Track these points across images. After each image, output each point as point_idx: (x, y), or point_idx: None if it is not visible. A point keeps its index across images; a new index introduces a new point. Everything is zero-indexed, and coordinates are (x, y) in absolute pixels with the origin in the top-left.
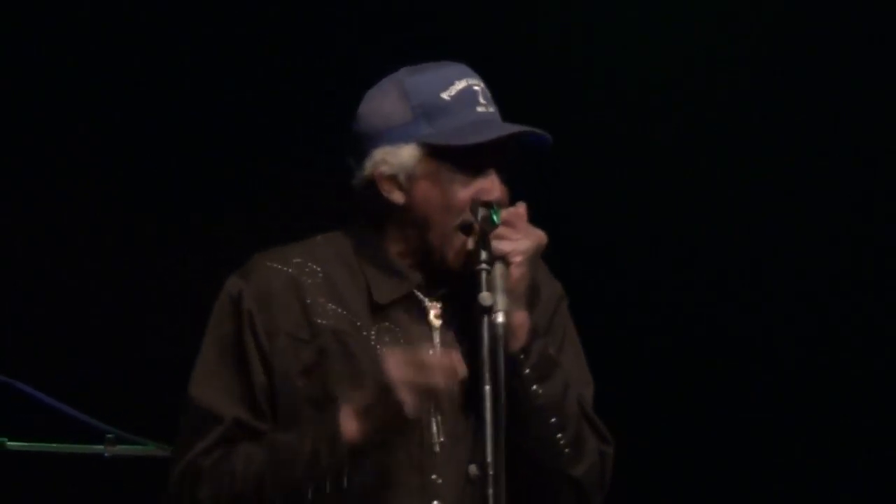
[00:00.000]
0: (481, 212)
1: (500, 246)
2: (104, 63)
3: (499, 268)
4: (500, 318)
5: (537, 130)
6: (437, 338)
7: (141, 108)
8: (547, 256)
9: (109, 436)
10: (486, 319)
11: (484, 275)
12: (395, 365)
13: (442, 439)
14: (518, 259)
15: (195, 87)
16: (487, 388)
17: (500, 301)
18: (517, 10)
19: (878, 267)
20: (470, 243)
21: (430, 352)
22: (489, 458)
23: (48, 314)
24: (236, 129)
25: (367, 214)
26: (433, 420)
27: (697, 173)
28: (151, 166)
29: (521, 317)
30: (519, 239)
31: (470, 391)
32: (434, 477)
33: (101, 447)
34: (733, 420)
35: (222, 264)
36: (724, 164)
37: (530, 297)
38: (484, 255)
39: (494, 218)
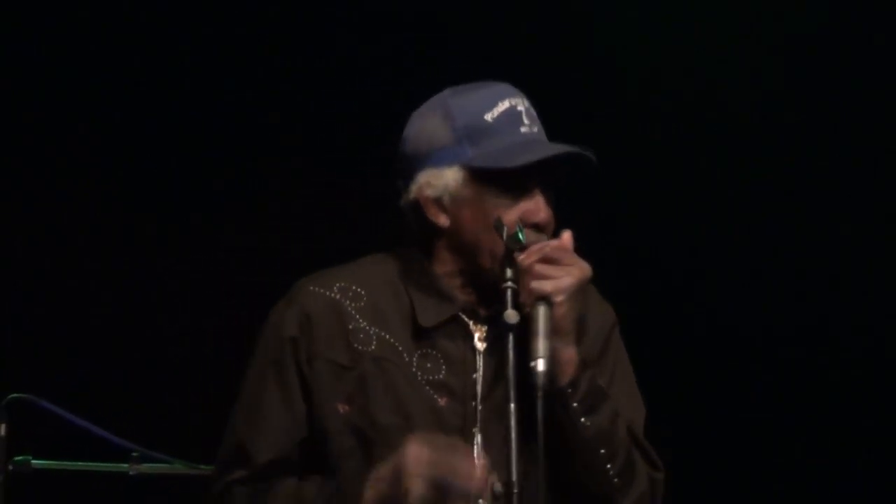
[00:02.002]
0: (507, 230)
1: (540, 287)
2: (103, 62)
3: (542, 310)
4: (540, 365)
5: (581, 150)
6: (480, 362)
7: (140, 107)
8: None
9: (134, 454)
10: (511, 337)
11: (510, 293)
12: (415, 457)
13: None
14: (560, 298)
15: (195, 86)
16: (512, 406)
17: (542, 347)
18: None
19: (878, 267)
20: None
21: (462, 452)
22: (513, 477)
23: (72, 331)
24: (236, 129)
25: (415, 237)
26: (474, 444)
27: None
28: (151, 166)
29: (569, 353)
30: (561, 276)
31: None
32: (480, 502)
33: (125, 465)
34: (733, 421)
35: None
36: (734, 165)
37: (578, 330)
38: (510, 272)
39: (520, 236)
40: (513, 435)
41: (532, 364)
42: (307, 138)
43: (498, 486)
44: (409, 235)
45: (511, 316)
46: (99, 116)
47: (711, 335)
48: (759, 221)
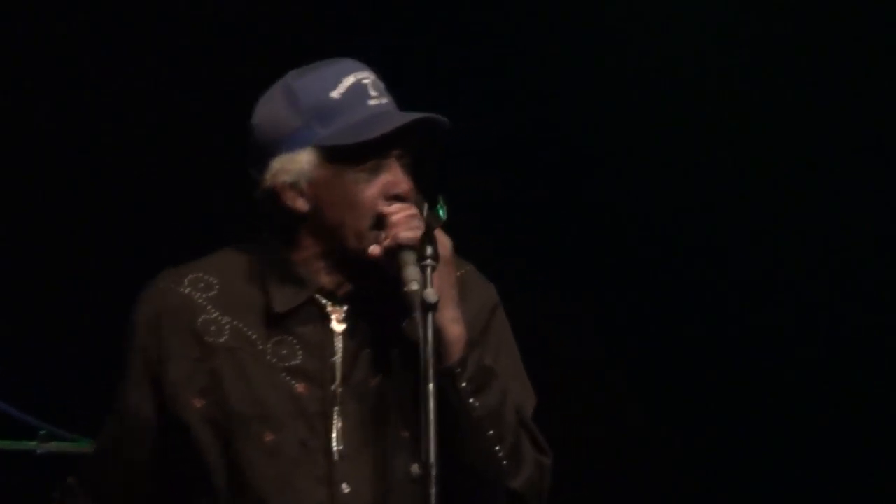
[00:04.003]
0: (426, 206)
1: (409, 234)
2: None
3: (409, 252)
4: (414, 286)
5: (430, 115)
6: (338, 343)
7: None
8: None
9: (42, 432)
10: (430, 317)
11: (430, 270)
12: None
13: (341, 447)
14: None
15: (195, 86)
16: (431, 386)
17: (413, 272)
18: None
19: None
20: (382, 238)
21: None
22: (431, 458)
23: None
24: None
25: (275, 225)
26: (333, 427)
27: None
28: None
29: (456, 331)
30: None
31: (380, 394)
32: (343, 486)
33: (33, 443)
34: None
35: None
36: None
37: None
38: (429, 250)
39: (441, 212)
40: (431, 417)
41: (405, 289)
42: None
43: (415, 468)
44: (267, 224)
45: (431, 294)
46: (96, 116)
47: (709, 335)
48: (756, 221)
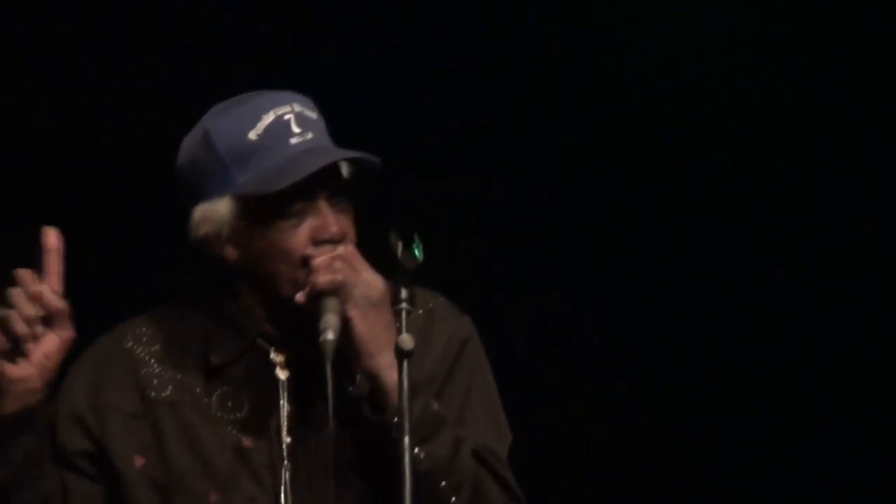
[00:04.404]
0: (400, 245)
1: (330, 278)
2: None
3: (332, 300)
4: (329, 335)
5: (351, 153)
6: (284, 392)
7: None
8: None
9: None
10: (405, 365)
11: (404, 314)
12: None
13: (291, 503)
14: (350, 298)
15: (195, 86)
16: (407, 439)
17: (331, 319)
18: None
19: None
20: (302, 277)
21: None
22: None
23: None
24: None
25: (211, 274)
26: (283, 482)
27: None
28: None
29: (390, 378)
30: (350, 274)
31: (330, 446)
32: None
33: None
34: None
35: None
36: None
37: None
38: (403, 292)
39: (416, 252)
40: (407, 470)
41: (320, 339)
42: None
43: None
44: (205, 272)
45: (406, 341)
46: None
47: (708, 335)
48: (756, 221)
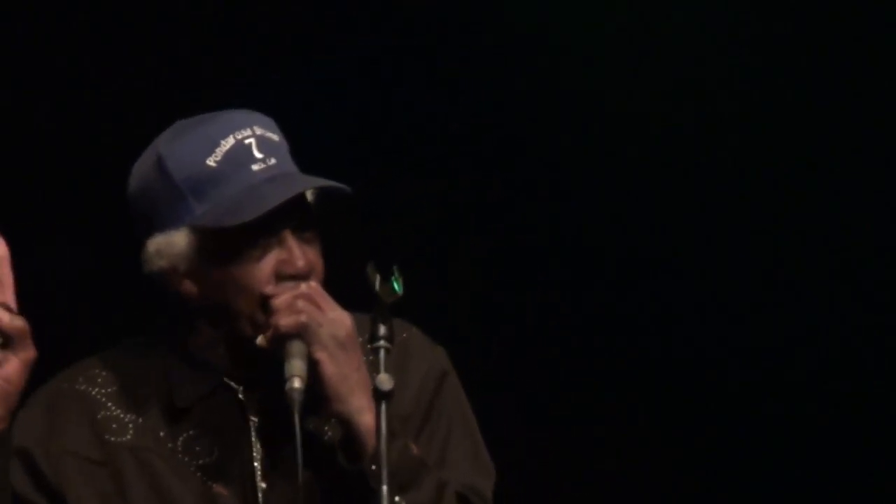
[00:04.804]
0: (378, 279)
1: (293, 320)
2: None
3: (296, 343)
4: (296, 383)
5: (318, 181)
6: (256, 435)
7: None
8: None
9: None
10: (383, 406)
11: (382, 353)
12: None
13: None
14: (315, 339)
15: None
16: (385, 488)
17: (297, 366)
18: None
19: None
20: (263, 317)
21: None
22: None
23: None
24: None
25: (170, 309)
26: None
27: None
28: None
29: (365, 422)
30: (316, 314)
31: (307, 490)
32: None
33: None
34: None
35: None
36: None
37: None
38: (382, 329)
39: (396, 286)
40: None
41: (286, 387)
42: None
43: None
44: (163, 307)
45: (384, 381)
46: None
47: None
48: (756, 221)
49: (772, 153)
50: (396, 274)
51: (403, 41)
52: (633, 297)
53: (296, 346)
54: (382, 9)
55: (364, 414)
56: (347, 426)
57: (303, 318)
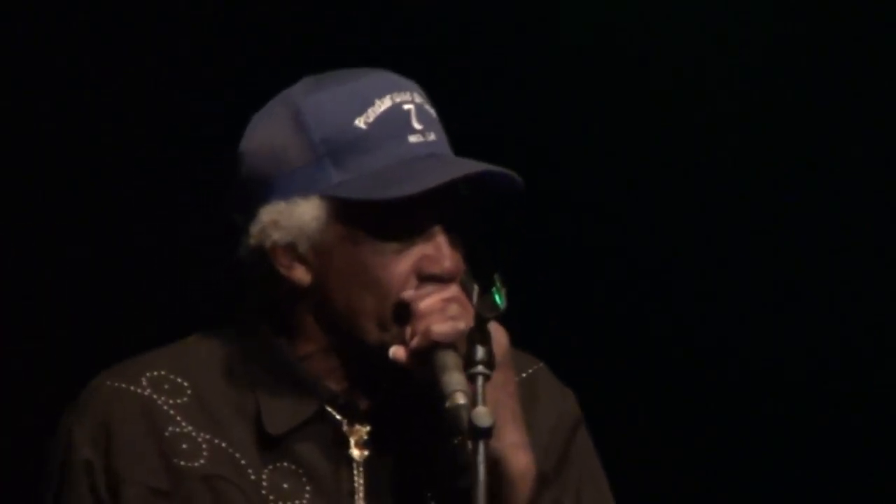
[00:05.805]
0: (477, 290)
1: (445, 328)
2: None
3: (450, 353)
4: (461, 399)
5: (496, 168)
6: (359, 477)
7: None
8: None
9: None
10: (481, 449)
11: (481, 380)
12: None
13: None
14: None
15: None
16: None
17: (455, 381)
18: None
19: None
20: (409, 334)
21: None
22: None
23: None
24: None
25: (263, 300)
26: None
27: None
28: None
29: (522, 461)
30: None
31: None
32: None
33: None
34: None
35: None
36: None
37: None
38: (481, 352)
39: (497, 298)
40: None
41: (448, 404)
42: None
43: None
44: (253, 299)
45: (484, 416)
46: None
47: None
48: (756, 222)
49: (772, 153)
50: (499, 284)
51: (403, 41)
52: (633, 296)
53: (451, 358)
54: (382, 9)
55: (519, 453)
56: (495, 465)
57: (461, 325)
